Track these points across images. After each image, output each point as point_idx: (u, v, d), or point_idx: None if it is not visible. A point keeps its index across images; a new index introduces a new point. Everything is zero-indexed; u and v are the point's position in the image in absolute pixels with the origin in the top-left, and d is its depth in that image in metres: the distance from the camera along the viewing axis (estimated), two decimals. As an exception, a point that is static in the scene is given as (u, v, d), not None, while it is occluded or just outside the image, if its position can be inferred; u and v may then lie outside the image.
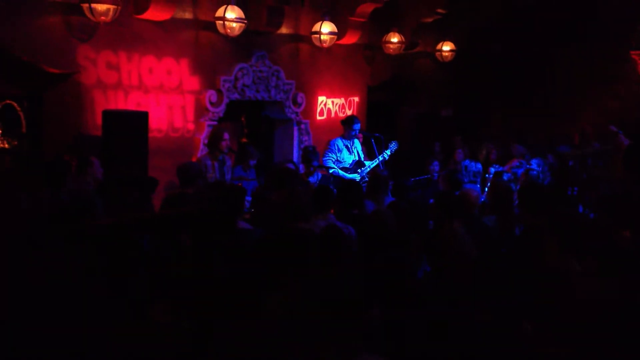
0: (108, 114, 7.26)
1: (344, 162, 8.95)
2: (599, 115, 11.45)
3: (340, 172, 8.79)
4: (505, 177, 8.66)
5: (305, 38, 9.94)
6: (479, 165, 8.91)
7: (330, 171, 8.74)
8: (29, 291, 3.36)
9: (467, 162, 9.05)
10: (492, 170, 8.74)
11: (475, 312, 3.67)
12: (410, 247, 5.13)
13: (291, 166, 7.86)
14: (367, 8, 10.17)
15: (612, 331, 3.57)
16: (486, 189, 8.24)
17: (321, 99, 10.61)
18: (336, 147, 8.97)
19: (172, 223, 4.52)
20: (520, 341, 3.57)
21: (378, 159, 8.81)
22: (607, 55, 11.57)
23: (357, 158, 9.04)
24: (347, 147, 9.03)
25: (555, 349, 3.54)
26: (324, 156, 8.97)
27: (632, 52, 11.37)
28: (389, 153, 8.88)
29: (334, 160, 8.90)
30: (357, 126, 9.10)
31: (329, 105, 10.76)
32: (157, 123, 8.26)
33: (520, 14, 11.89)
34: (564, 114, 12.09)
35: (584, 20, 11.69)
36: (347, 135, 9.06)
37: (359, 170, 8.85)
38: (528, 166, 8.85)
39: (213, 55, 8.88)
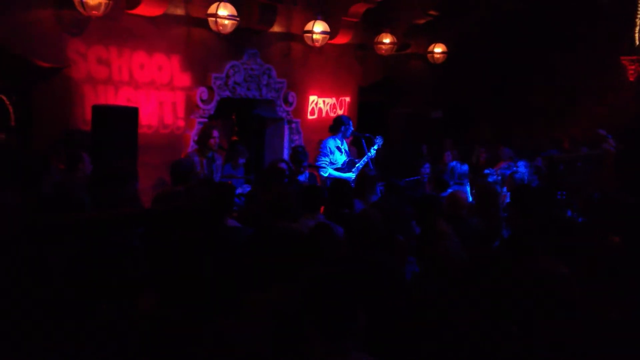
0: (98, 109, 7.20)
1: (337, 163, 8.95)
2: (588, 121, 11.52)
3: (335, 173, 8.78)
4: (491, 179, 8.65)
5: (298, 37, 9.92)
6: (465, 167, 8.86)
7: (326, 174, 8.75)
8: (15, 286, 3.33)
9: (453, 163, 9.01)
10: (486, 172, 8.75)
11: (463, 314, 3.67)
12: (398, 248, 5.13)
13: (284, 165, 7.83)
14: (360, 8, 10.17)
15: (599, 334, 3.58)
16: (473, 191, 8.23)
17: (312, 98, 10.59)
18: (328, 150, 8.96)
19: (160, 218, 4.49)
20: (507, 343, 3.57)
21: (367, 156, 8.82)
22: (598, 61, 11.63)
23: (347, 158, 9.03)
24: (338, 148, 9.02)
25: (541, 351, 3.54)
26: (318, 160, 8.95)
27: (623, 57, 11.44)
28: (375, 149, 8.89)
29: (327, 162, 8.89)
30: (350, 122, 9.15)
31: (320, 104, 10.75)
32: (147, 119, 8.22)
33: (511, 19, 11.94)
34: (554, 119, 12.15)
35: (575, 26, 11.75)
36: (344, 134, 9.06)
37: (353, 170, 8.84)
38: (515, 169, 8.84)
39: (204, 52, 8.84)
